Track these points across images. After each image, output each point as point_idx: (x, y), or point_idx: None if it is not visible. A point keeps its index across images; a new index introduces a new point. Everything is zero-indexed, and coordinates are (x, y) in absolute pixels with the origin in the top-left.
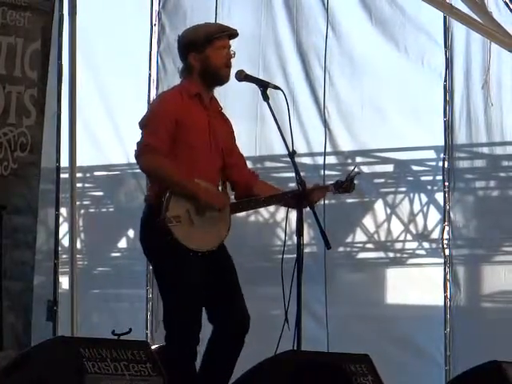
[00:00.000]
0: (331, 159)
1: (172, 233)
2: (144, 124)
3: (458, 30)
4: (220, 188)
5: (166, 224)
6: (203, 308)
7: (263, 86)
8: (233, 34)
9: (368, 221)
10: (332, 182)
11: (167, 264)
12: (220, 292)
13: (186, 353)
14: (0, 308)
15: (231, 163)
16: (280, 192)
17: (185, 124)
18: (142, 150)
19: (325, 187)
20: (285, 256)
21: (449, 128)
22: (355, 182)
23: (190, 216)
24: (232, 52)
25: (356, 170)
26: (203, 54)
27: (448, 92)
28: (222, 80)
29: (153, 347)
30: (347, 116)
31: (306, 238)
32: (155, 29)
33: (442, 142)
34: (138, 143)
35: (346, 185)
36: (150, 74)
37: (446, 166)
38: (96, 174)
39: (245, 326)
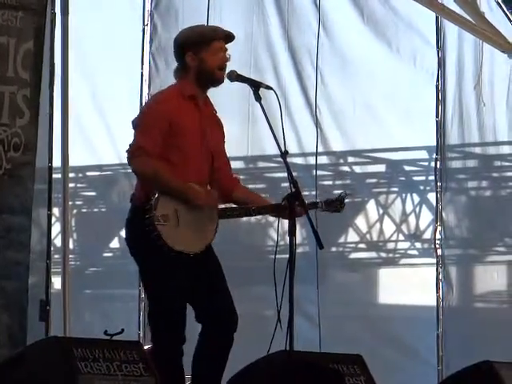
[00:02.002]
0: (323, 159)
1: (158, 231)
2: (137, 124)
3: (451, 30)
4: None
5: (153, 222)
6: (186, 308)
7: (255, 86)
8: (230, 37)
9: (360, 221)
10: (322, 200)
11: (152, 264)
12: (207, 292)
13: (172, 352)
14: None
15: (217, 166)
16: (263, 199)
17: (177, 126)
18: (135, 153)
19: (314, 204)
20: (277, 256)
21: (441, 128)
22: (344, 203)
23: (178, 217)
24: (228, 55)
25: (346, 191)
26: (200, 54)
27: (440, 92)
28: (216, 82)
29: (145, 347)
30: (339, 116)
31: (298, 238)
32: (147, 29)
33: (434, 142)
34: (130, 145)
35: (335, 204)
36: (142, 74)
37: (438, 166)
38: (88, 174)
39: (232, 324)
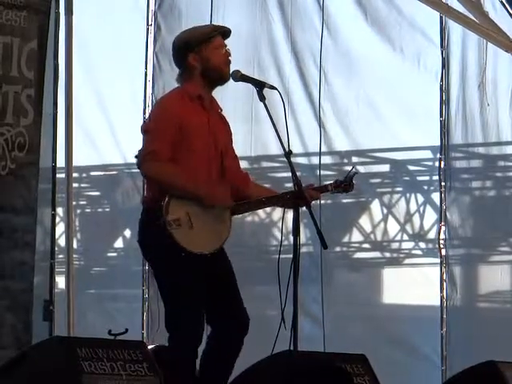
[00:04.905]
0: (327, 159)
1: (172, 236)
2: (146, 130)
3: (454, 29)
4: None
5: (166, 228)
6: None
7: (259, 85)
8: (226, 32)
9: (364, 221)
10: (330, 182)
11: (167, 266)
12: (219, 294)
13: (189, 354)
14: None
15: (227, 165)
16: (277, 192)
17: (186, 128)
18: (145, 157)
19: (324, 187)
20: (281, 256)
21: (445, 128)
22: (354, 181)
23: (190, 219)
24: (229, 50)
25: (354, 169)
26: (202, 53)
27: (444, 92)
28: (225, 78)
29: (149, 347)
30: (343, 116)
31: (302, 238)
32: (151, 29)
33: (438, 142)
34: (140, 150)
35: (344, 184)
36: (145, 74)
37: (442, 165)
38: (92, 173)
39: (244, 327)
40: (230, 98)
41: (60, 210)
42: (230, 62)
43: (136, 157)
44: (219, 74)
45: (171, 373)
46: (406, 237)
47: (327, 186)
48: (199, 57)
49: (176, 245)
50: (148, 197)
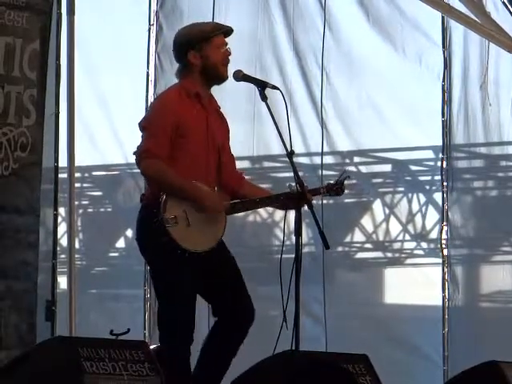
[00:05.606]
0: (329, 159)
1: (169, 234)
2: (144, 127)
3: (456, 29)
4: (216, 188)
5: (163, 225)
6: (195, 309)
7: (261, 85)
8: (228, 31)
9: (366, 221)
10: (322, 185)
11: (163, 264)
12: (222, 287)
13: (181, 353)
14: None
15: (222, 163)
16: (270, 193)
17: (184, 125)
18: (142, 155)
19: (316, 190)
20: (283, 256)
21: (447, 128)
22: (348, 181)
23: (187, 217)
24: (229, 49)
25: (345, 173)
26: (202, 52)
27: (446, 92)
28: (222, 77)
29: (151, 347)
30: (345, 116)
31: (304, 238)
32: (153, 29)
33: (440, 142)
34: (138, 147)
35: (336, 188)
36: (147, 74)
37: (444, 165)
38: (94, 173)
39: (250, 315)
40: (232, 97)
41: (62, 210)
42: (228, 61)
43: (134, 153)
44: (216, 72)
45: (169, 372)
46: (407, 237)
47: (319, 189)
48: (199, 55)
49: (172, 242)
50: (147, 194)
